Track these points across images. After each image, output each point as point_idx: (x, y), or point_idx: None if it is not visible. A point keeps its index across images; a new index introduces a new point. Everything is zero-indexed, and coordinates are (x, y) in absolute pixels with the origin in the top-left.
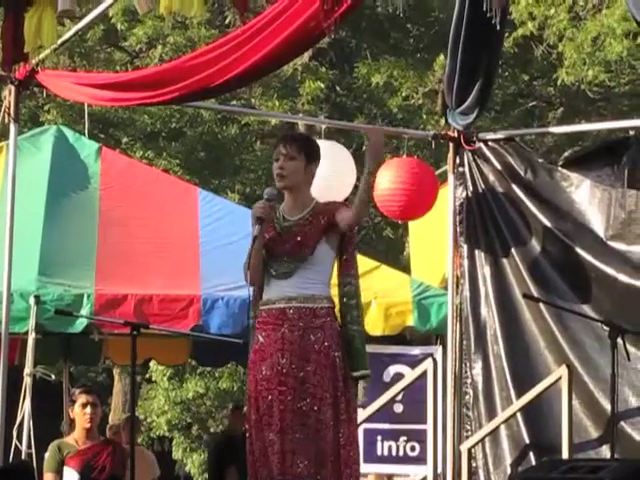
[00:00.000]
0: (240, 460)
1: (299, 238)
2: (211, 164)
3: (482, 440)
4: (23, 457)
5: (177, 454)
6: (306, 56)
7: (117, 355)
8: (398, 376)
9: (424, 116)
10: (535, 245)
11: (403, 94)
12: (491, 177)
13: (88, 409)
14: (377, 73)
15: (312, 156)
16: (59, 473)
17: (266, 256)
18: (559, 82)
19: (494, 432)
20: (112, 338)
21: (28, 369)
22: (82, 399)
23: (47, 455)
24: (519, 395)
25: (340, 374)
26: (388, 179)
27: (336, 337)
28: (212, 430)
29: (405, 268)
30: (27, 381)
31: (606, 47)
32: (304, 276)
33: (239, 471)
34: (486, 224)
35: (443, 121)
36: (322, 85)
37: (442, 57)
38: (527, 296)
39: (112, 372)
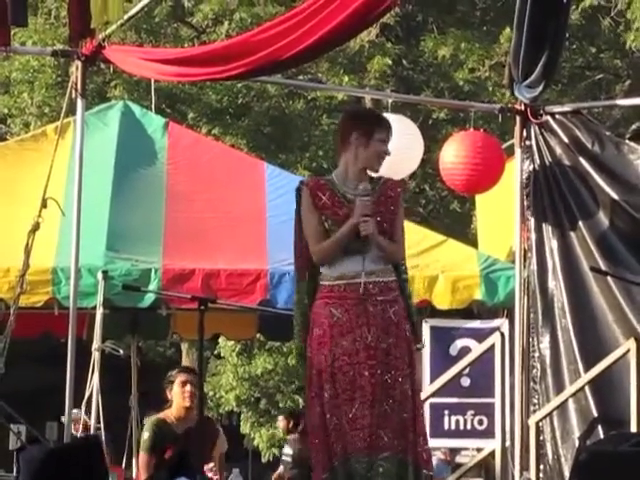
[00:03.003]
0: None
1: (379, 219)
2: (278, 139)
3: (550, 414)
4: (92, 432)
5: (245, 428)
6: (373, 32)
7: (185, 330)
8: (465, 350)
9: (490, 89)
10: (603, 218)
11: (469, 67)
12: (558, 150)
13: (188, 387)
14: (443, 46)
15: (344, 133)
16: (154, 455)
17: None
18: (627, 46)
19: (562, 406)
20: (180, 313)
21: (96, 344)
22: (181, 377)
23: (146, 435)
24: (587, 368)
25: (412, 346)
26: (453, 153)
27: (405, 310)
28: (281, 405)
29: (472, 242)
30: (95, 356)
31: None
32: (379, 251)
33: None
34: (553, 197)
35: (509, 93)
36: (389, 61)
37: (508, 30)
38: (595, 269)
39: (180, 347)
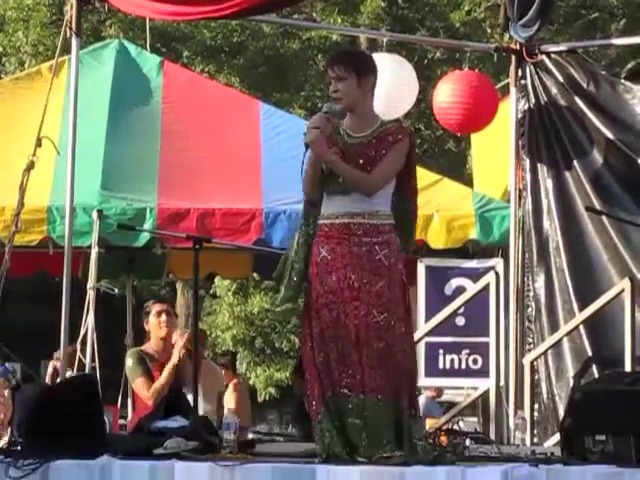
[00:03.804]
0: None
1: (361, 161)
2: (272, 79)
3: (544, 353)
4: (87, 371)
5: (241, 368)
6: None
7: (180, 269)
8: (460, 289)
9: (487, 30)
10: (597, 157)
11: (466, 8)
12: (553, 90)
13: (163, 317)
14: None
15: (363, 70)
16: (151, 378)
17: (328, 172)
18: None
19: (557, 345)
20: (175, 252)
21: (91, 283)
22: (157, 307)
23: (130, 362)
24: (582, 308)
25: (406, 289)
26: (447, 92)
27: (400, 253)
28: (276, 345)
29: (468, 181)
30: (90, 295)
31: None
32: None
33: None
34: (548, 137)
35: (506, 37)
36: (382, 4)
37: None
38: (590, 209)
39: (175, 286)
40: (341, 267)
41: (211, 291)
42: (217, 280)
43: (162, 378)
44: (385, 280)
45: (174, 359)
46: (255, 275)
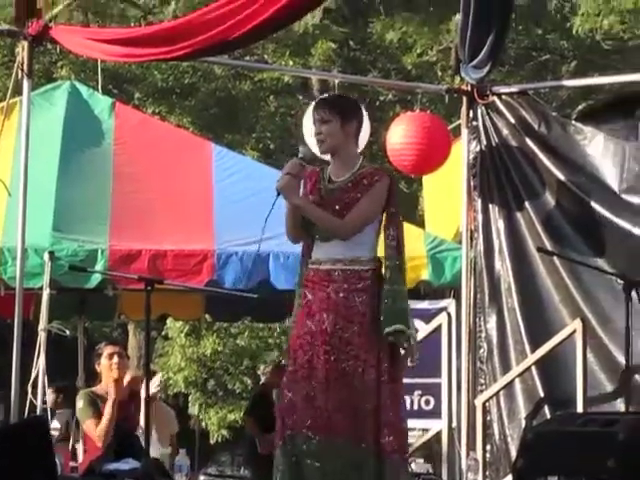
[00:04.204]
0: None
1: (337, 207)
2: (224, 120)
3: (497, 394)
4: (38, 413)
5: (193, 410)
6: (317, 14)
7: (132, 311)
8: None
9: (439, 73)
10: (549, 199)
11: (418, 51)
12: (505, 131)
13: (115, 359)
14: (391, 30)
15: (348, 115)
16: (100, 419)
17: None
18: (574, 32)
19: (509, 386)
20: (127, 294)
21: (43, 324)
22: (108, 350)
23: (81, 403)
24: (534, 349)
25: (384, 337)
26: (400, 134)
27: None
28: (229, 386)
29: (419, 222)
30: (42, 336)
31: None
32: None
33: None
34: (500, 178)
35: (458, 79)
36: (334, 45)
37: (457, 16)
38: (541, 250)
39: (127, 328)
40: (318, 312)
41: (163, 333)
42: (169, 321)
43: (105, 414)
44: (357, 327)
45: (112, 393)
46: (207, 316)
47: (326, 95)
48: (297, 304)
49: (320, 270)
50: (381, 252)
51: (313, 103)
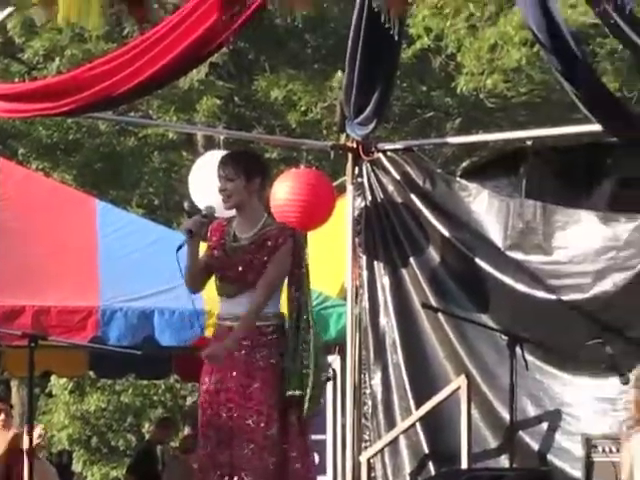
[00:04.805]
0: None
1: (241, 268)
2: (108, 176)
3: (381, 450)
4: None
5: (77, 467)
6: (203, 70)
7: (15, 367)
8: None
9: (324, 130)
10: (434, 255)
11: (302, 108)
12: (390, 187)
13: (2, 415)
14: (276, 87)
15: (252, 172)
16: None
17: (215, 274)
18: (458, 91)
19: (393, 442)
20: (10, 350)
21: None
22: None
23: None
24: (418, 405)
25: (281, 393)
26: (285, 190)
27: (283, 353)
28: (112, 443)
29: None
30: None
31: (504, 55)
32: (250, 297)
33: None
34: (385, 234)
35: (343, 136)
36: (218, 102)
37: (340, 74)
38: (426, 306)
39: (10, 384)
40: (221, 369)
41: (47, 390)
42: (53, 378)
43: None
44: (259, 383)
45: None
46: (91, 373)
47: (230, 151)
48: None
49: (222, 326)
50: (284, 308)
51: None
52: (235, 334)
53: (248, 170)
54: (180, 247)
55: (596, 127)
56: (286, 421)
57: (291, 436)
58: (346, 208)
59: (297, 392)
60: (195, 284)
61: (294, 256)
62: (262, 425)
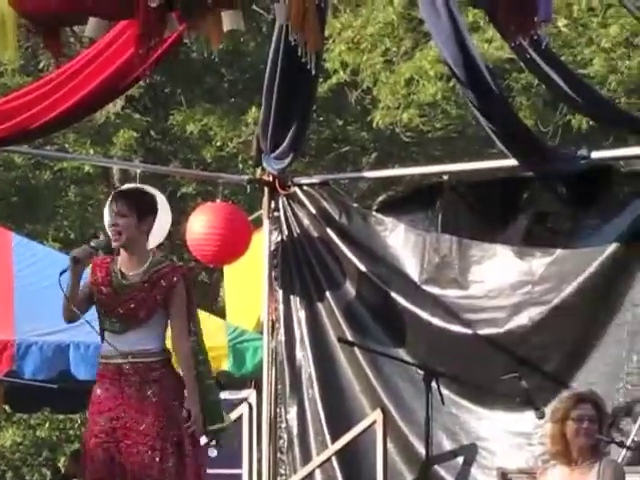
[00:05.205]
0: None
1: (132, 305)
2: (24, 210)
3: None
4: None
5: None
6: (119, 104)
7: None
8: None
9: (240, 165)
10: (350, 289)
11: (218, 143)
12: (306, 221)
13: None
14: (192, 122)
15: (144, 211)
16: None
17: (100, 310)
18: (374, 125)
19: (309, 476)
20: None
21: None
22: None
23: None
24: (334, 439)
25: (182, 422)
26: (201, 224)
27: (175, 386)
28: (27, 478)
29: (221, 313)
30: None
31: (420, 90)
32: (138, 333)
33: None
34: (301, 268)
35: (259, 170)
36: (135, 134)
37: (254, 109)
38: (342, 340)
39: None
40: (113, 407)
41: None
42: None
43: None
44: (151, 417)
45: None
46: (7, 407)
47: (124, 188)
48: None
49: (109, 365)
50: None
51: (112, 194)
52: (191, 395)
53: (140, 209)
54: (63, 272)
55: (512, 162)
56: (182, 454)
57: (188, 469)
58: (262, 242)
59: (220, 425)
60: (71, 314)
61: (187, 293)
62: (157, 460)
